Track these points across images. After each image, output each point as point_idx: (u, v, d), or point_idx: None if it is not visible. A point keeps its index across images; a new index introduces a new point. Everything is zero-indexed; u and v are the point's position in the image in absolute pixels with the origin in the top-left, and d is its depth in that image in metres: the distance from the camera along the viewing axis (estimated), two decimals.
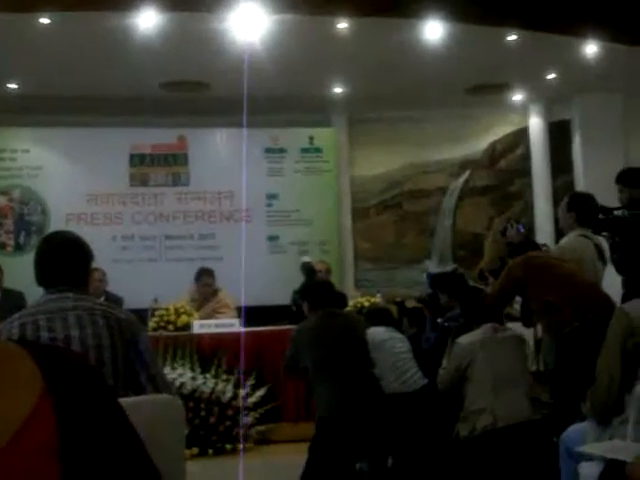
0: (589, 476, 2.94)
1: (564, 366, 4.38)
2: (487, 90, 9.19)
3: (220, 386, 6.32)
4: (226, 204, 9.44)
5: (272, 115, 9.16)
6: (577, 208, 4.96)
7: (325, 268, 7.86)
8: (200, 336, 6.75)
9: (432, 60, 7.82)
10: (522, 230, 5.34)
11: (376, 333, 5.48)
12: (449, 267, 7.74)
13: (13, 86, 8.60)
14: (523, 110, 10.11)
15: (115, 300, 6.92)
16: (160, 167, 9.38)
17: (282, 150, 9.63)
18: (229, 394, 6.32)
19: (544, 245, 5.50)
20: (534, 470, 4.17)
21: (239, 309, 7.53)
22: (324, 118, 9.88)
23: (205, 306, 7.55)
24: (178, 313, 6.98)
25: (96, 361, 2.49)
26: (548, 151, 10.10)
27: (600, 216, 4.99)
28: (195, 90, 8.88)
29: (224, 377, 6.40)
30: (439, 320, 6.02)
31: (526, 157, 10.18)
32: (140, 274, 8.92)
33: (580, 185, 9.44)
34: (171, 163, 9.40)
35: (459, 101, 9.39)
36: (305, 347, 4.68)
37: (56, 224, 8.56)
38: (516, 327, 5.13)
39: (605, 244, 5.06)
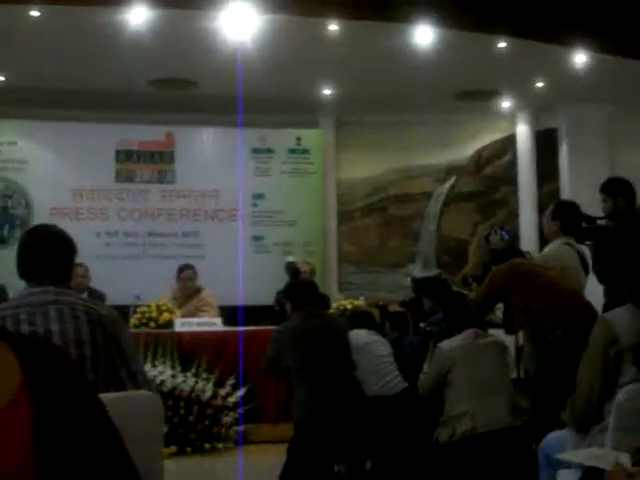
0: None
1: (545, 374, 4.39)
2: (475, 96, 9.21)
3: (200, 385, 6.30)
4: (211, 203, 9.42)
5: (260, 115, 9.13)
6: (562, 216, 4.98)
7: (309, 269, 7.86)
8: (181, 334, 6.73)
9: (421, 65, 7.83)
10: (507, 237, 5.36)
11: (358, 336, 5.48)
12: (433, 272, 7.73)
13: (0, 78, 8.54)
14: (511, 117, 10.15)
15: (98, 296, 6.89)
16: (146, 164, 9.34)
17: (269, 150, 9.61)
18: (209, 393, 6.31)
19: (527, 252, 5.51)
20: (513, 477, 4.18)
21: (221, 308, 7.53)
22: (312, 119, 9.87)
23: (187, 304, 7.52)
24: (160, 310, 6.98)
25: (77, 356, 2.47)
26: (534, 159, 10.14)
27: (584, 225, 5.02)
28: (184, 88, 8.85)
29: (204, 376, 6.38)
30: (421, 324, 6.02)
31: (512, 164, 10.21)
32: (123, 271, 8.88)
33: (566, 194, 9.47)
34: (157, 160, 9.37)
35: (447, 107, 9.41)
36: (287, 347, 4.66)
37: (40, 218, 8.47)
38: (498, 334, 5.14)
39: (588, 253, 5.09)
